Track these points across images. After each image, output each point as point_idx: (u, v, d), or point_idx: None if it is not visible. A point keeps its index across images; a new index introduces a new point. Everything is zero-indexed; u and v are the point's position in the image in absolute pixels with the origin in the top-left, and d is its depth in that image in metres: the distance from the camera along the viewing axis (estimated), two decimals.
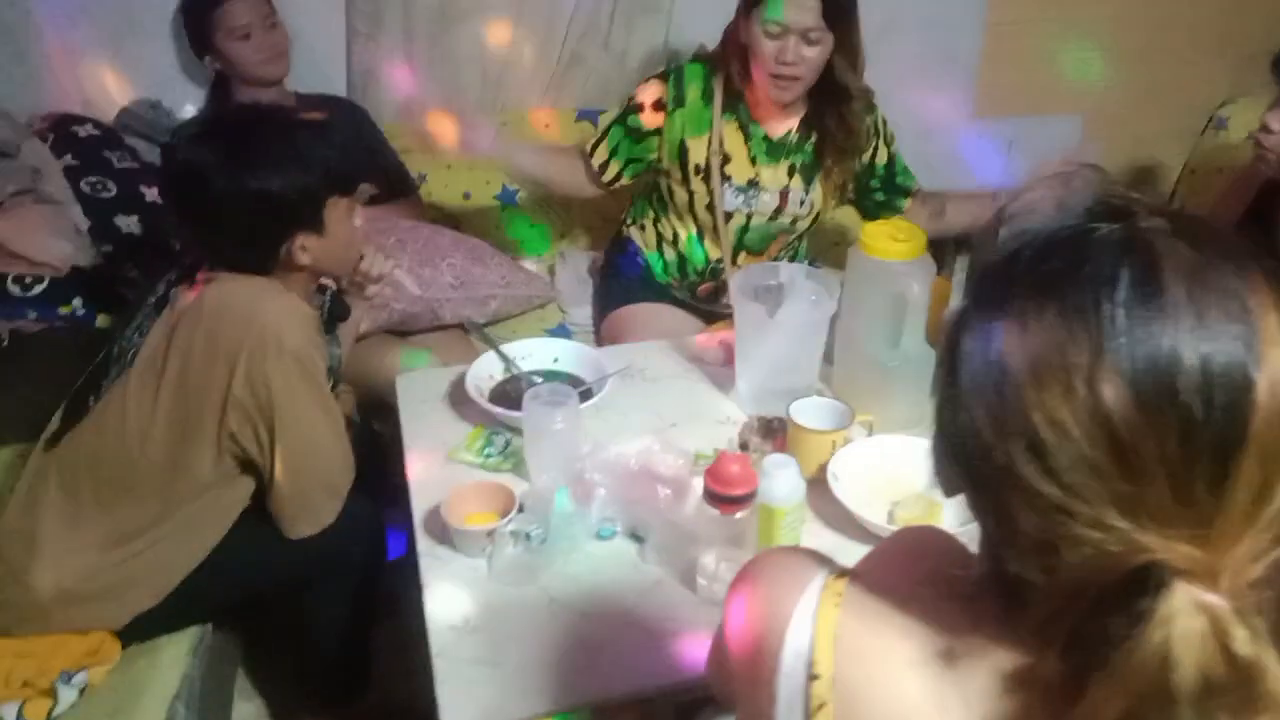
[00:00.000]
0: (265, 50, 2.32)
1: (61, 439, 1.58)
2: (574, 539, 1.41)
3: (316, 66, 2.49)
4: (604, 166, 2.13)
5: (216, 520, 1.58)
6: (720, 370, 1.79)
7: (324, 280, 1.74)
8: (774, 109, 2.06)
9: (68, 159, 2.23)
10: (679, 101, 2.06)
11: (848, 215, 2.41)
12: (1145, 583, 0.55)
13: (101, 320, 2.06)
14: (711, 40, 2.15)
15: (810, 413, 1.52)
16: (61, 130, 2.30)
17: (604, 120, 2.16)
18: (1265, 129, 1.69)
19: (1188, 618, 0.54)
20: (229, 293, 1.52)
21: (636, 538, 1.42)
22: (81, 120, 2.35)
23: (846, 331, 1.65)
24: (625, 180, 2.17)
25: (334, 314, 1.78)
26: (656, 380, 1.78)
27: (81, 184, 2.20)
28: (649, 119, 2.08)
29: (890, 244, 1.57)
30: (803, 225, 2.19)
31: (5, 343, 1.95)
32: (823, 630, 0.70)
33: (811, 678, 0.69)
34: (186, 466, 1.53)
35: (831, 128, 2.06)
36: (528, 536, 1.39)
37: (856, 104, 2.03)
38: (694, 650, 1.25)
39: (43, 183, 2.08)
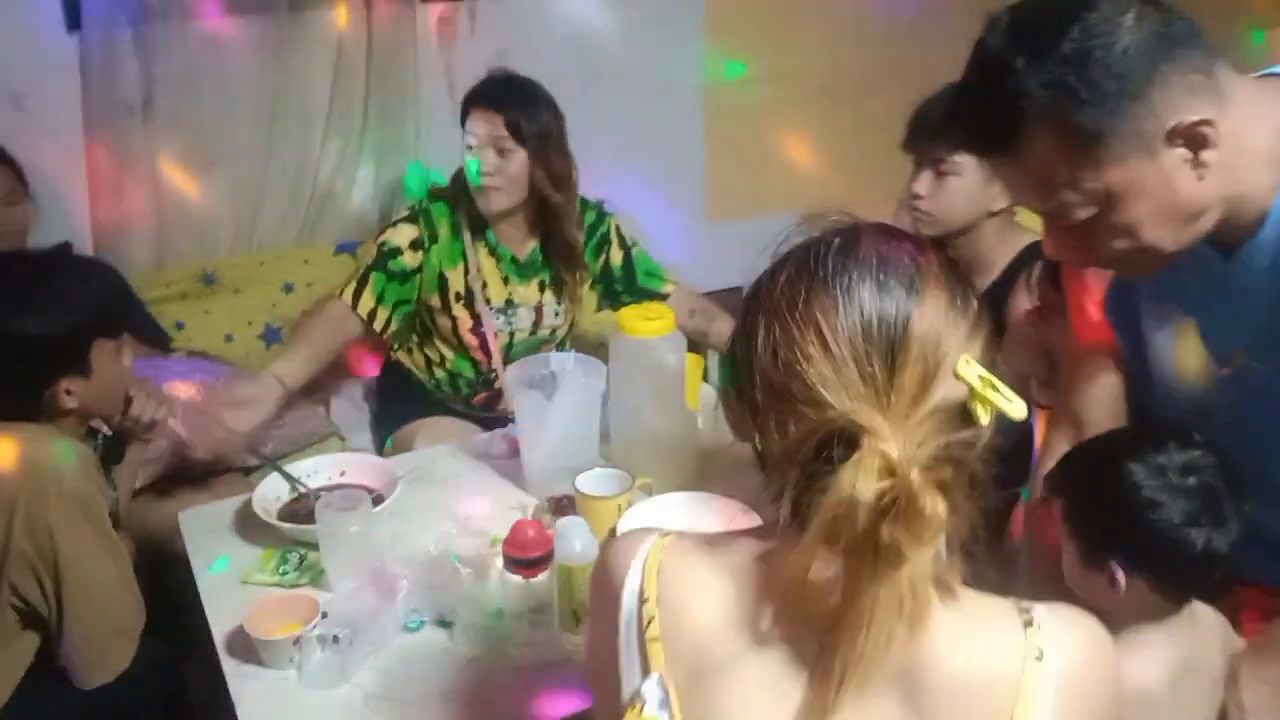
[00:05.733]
0: (3, 225, 2.27)
1: None
2: (382, 634, 1.44)
3: (61, 227, 2.45)
4: (372, 314, 2.17)
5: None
6: (507, 463, 1.87)
7: (94, 424, 1.71)
8: (516, 232, 2.23)
9: None
10: (433, 238, 2.19)
11: (607, 319, 2.59)
12: (839, 439, 0.75)
13: None
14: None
15: (594, 483, 1.63)
16: None
17: (362, 267, 2.19)
18: (915, 196, 1.99)
19: (870, 458, 0.73)
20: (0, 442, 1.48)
21: (444, 623, 1.47)
22: None
23: (617, 406, 1.78)
24: (395, 325, 2.22)
25: (108, 458, 1.74)
26: (446, 480, 1.84)
27: None
28: (409, 259, 2.17)
29: (644, 324, 1.72)
30: (562, 333, 2.35)
31: None
32: (650, 567, 0.87)
33: (642, 601, 0.85)
34: None
35: (556, 242, 2.25)
36: (335, 639, 1.40)
37: (565, 219, 2.21)
38: (514, 713, 1.32)
39: None
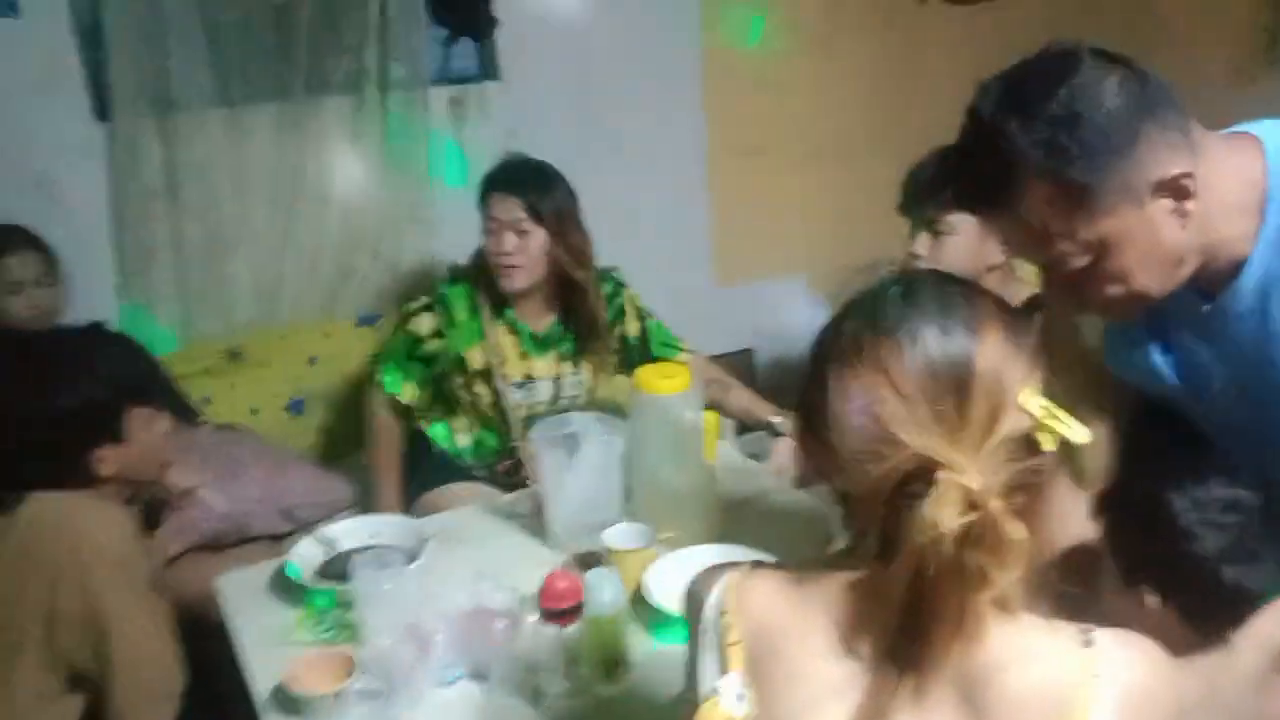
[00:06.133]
0: (35, 309, 2.35)
1: None
2: (419, 689, 1.48)
3: (91, 309, 2.53)
4: (411, 396, 2.33)
5: None
6: (532, 521, 1.92)
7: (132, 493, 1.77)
8: (535, 309, 2.33)
9: None
10: (451, 324, 2.29)
11: (622, 383, 2.66)
12: (919, 475, 0.80)
13: None
14: (474, 240, 2.39)
15: (621, 537, 1.68)
16: None
17: (391, 354, 2.33)
18: (915, 256, 2.08)
19: (950, 491, 0.78)
20: (41, 510, 1.54)
21: (478, 676, 1.51)
22: None
23: (638, 462, 1.84)
24: (421, 397, 2.36)
25: (145, 525, 1.80)
26: (473, 539, 1.89)
27: None
28: (432, 346, 2.30)
29: (662, 381, 1.79)
30: (582, 401, 2.42)
31: None
32: (729, 588, 0.95)
33: (722, 614, 0.94)
34: (14, 690, 1.50)
35: (578, 314, 2.35)
36: (374, 694, 1.45)
37: (588, 294, 2.32)
38: None
39: None
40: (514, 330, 2.32)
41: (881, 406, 0.85)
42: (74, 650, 1.51)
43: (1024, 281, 2.01)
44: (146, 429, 1.65)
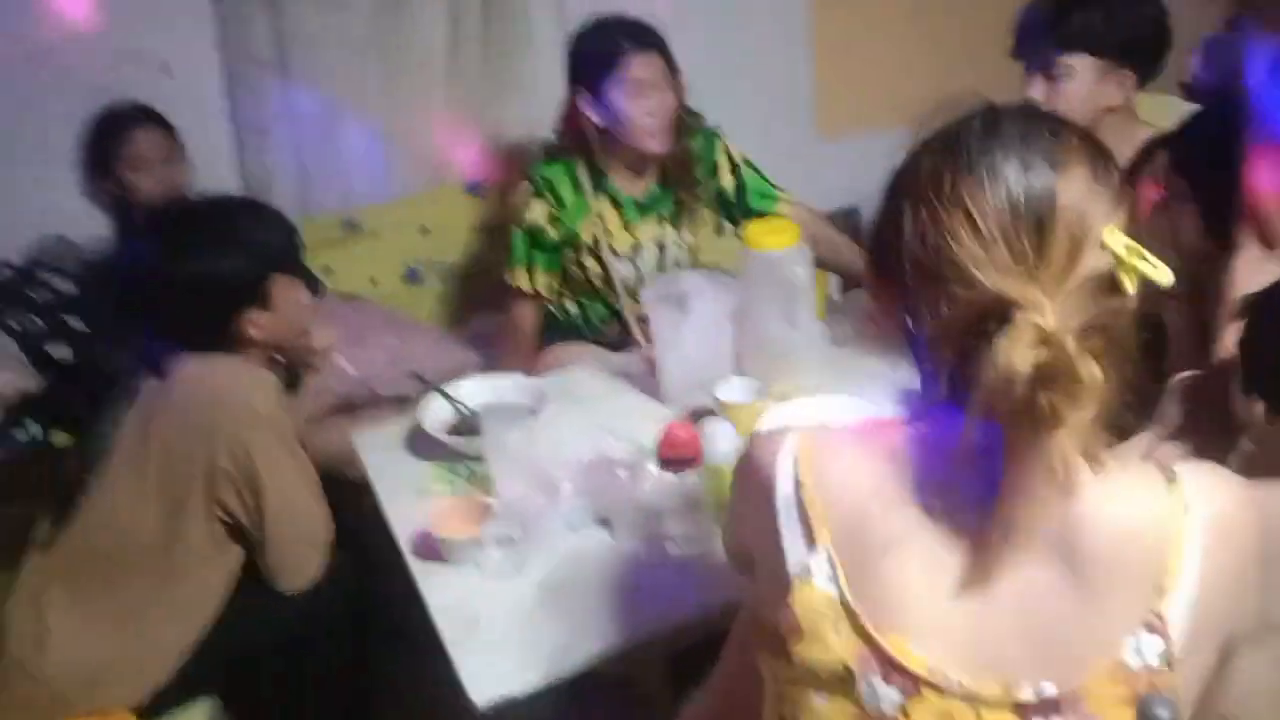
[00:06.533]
0: (163, 185, 2.45)
1: (55, 540, 1.68)
2: (548, 533, 1.58)
3: (213, 185, 2.63)
4: (547, 287, 2.34)
5: (213, 586, 1.70)
6: (644, 380, 1.99)
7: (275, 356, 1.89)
8: (632, 175, 2.31)
9: None
10: (561, 204, 2.27)
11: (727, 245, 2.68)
12: (994, 314, 0.80)
13: (57, 439, 2.14)
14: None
15: (732, 391, 1.74)
16: None
17: (519, 253, 2.29)
18: (1029, 100, 2.01)
19: (1024, 330, 0.77)
20: (196, 374, 1.66)
21: (603, 522, 1.60)
22: None
23: (748, 320, 1.87)
24: (554, 282, 2.37)
25: (287, 387, 1.92)
26: (590, 396, 1.98)
27: (9, 320, 2.29)
28: (552, 233, 2.28)
29: (771, 237, 1.81)
30: (686, 262, 2.43)
31: None
32: (802, 456, 0.93)
33: (799, 485, 0.91)
34: (181, 539, 1.65)
35: (676, 175, 2.32)
36: (510, 538, 1.55)
37: (689, 151, 2.30)
38: (673, 602, 1.45)
39: None
40: (616, 201, 2.32)
41: (959, 244, 0.82)
42: (232, 503, 1.65)
43: (1146, 123, 1.94)
44: (290, 295, 1.75)
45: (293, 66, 2.67)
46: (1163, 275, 0.82)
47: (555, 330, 2.48)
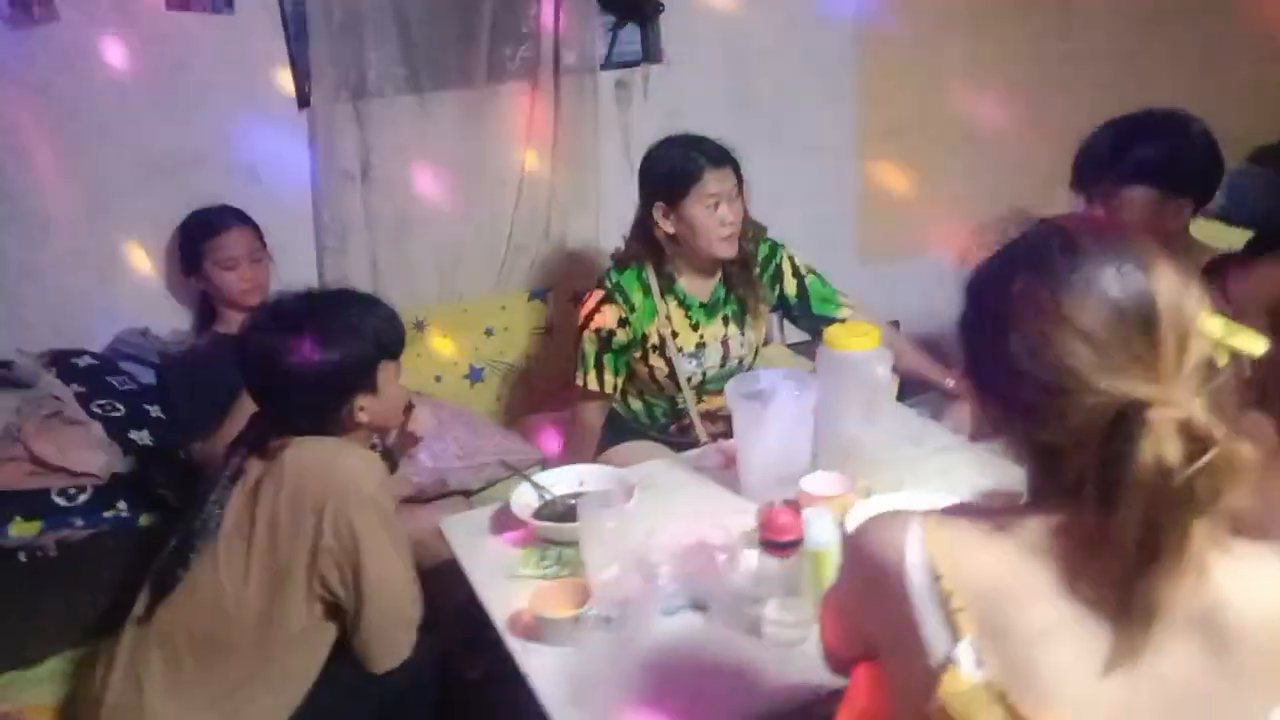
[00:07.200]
0: (249, 282, 2.57)
1: (154, 613, 1.71)
2: (646, 616, 1.61)
3: (294, 281, 2.74)
4: (614, 387, 2.42)
5: (308, 665, 1.73)
6: (721, 473, 2.05)
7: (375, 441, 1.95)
8: (699, 279, 2.42)
9: (74, 386, 2.39)
10: (631, 309, 2.37)
11: (779, 354, 2.78)
12: (1128, 416, 0.84)
13: (143, 520, 2.19)
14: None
15: (818, 484, 1.80)
16: (61, 363, 2.47)
17: (589, 357, 2.38)
18: None
19: (1163, 426, 0.83)
20: (305, 453, 1.71)
21: (699, 607, 1.64)
22: (78, 353, 2.54)
23: (827, 417, 1.94)
24: (621, 383, 2.45)
25: None
26: (670, 489, 2.03)
27: (92, 406, 2.36)
28: (623, 336, 2.37)
29: (854, 339, 1.90)
30: (749, 361, 2.52)
31: (54, 553, 2.06)
32: (933, 545, 0.96)
33: (936, 579, 0.94)
34: (281, 617, 1.68)
35: (740, 278, 2.44)
36: (608, 620, 1.59)
37: (750, 256, 2.43)
38: (769, 687, 1.48)
39: (63, 408, 2.24)
40: (683, 303, 2.42)
41: (1074, 357, 0.87)
42: (333, 580, 1.68)
43: (1204, 247, 2.05)
44: (394, 381, 1.82)
45: (374, 175, 2.81)
46: (1256, 346, 0.89)
47: (619, 428, 2.54)
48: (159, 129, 2.63)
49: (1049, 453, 0.92)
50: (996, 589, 0.92)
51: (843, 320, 2.50)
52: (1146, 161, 2.07)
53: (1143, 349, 0.87)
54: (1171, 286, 0.89)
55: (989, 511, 1.02)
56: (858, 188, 3.44)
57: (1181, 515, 0.83)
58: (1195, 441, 0.82)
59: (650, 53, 3.06)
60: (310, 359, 1.72)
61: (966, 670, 0.90)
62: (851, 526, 1.71)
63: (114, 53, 2.54)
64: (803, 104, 3.25)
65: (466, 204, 2.90)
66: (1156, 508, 0.83)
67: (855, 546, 1.05)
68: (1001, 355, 0.92)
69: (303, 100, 2.74)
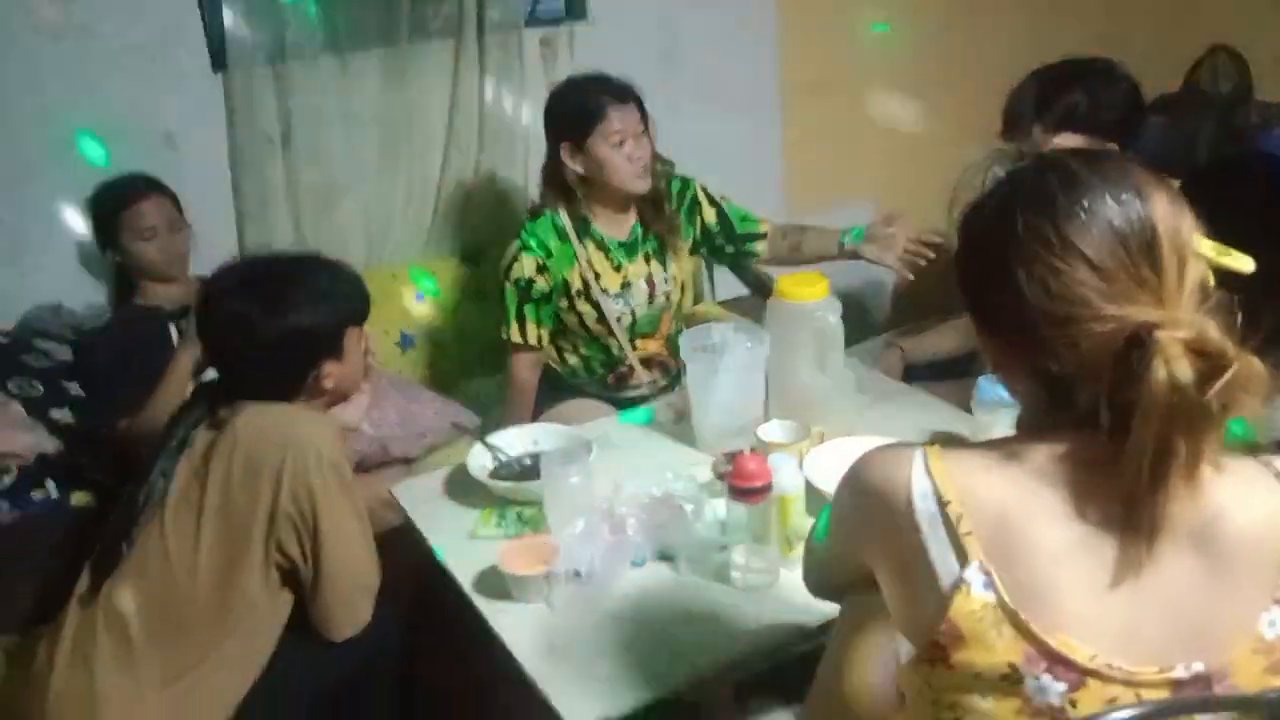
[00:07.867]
0: (168, 252, 2.47)
1: (99, 592, 1.64)
2: (615, 569, 1.62)
3: (215, 252, 2.64)
4: (539, 338, 2.40)
5: (266, 636, 1.69)
6: (673, 427, 2.06)
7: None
8: (614, 218, 2.42)
9: None
10: (549, 254, 2.36)
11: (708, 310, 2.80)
12: (1138, 340, 0.87)
13: (76, 499, 2.10)
14: None
15: (775, 432, 1.82)
16: None
17: (511, 309, 2.36)
18: None
19: (1172, 346, 0.85)
20: (260, 419, 1.66)
21: (666, 558, 1.65)
22: None
23: (779, 367, 1.96)
24: (548, 333, 2.44)
25: None
26: (626, 445, 2.03)
27: (9, 385, 2.26)
28: (542, 283, 2.36)
29: (804, 289, 1.92)
30: (675, 296, 2.53)
31: None
32: (938, 472, 0.98)
33: (943, 504, 0.96)
34: (237, 586, 1.63)
35: (652, 210, 2.45)
36: (577, 574, 1.58)
37: (662, 192, 2.45)
38: (738, 631, 1.51)
39: None
40: (602, 245, 2.41)
41: (1084, 286, 0.90)
42: (290, 546, 1.64)
43: None
44: (358, 346, 1.78)
45: (295, 140, 2.72)
46: (1247, 264, 0.94)
47: (558, 388, 2.53)
48: (66, 96, 2.50)
49: (1058, 383, 0.94)
50: (1005, 513, 0.94)
51: (764, 235, 2.56)
52: (1071, 109, 2.14)
53: (1147, 273, 0.90)
54: (1169, 212, 0.92)
55: (990, 443, 1.05)
56: (782, 141, 3.46)
57: (1197, 431, 0.86)
58: (1205, 358, 0.85)
59: (575, 9, 3.02)
60: (282, 325, 1.67)
61: (976, 591, 0.92)
62: (810, 472, 1.74)
63: (18, 18, 2.41)
64: (726, 60, 3.25)
65: (393, 167, 2.84)
66: (1172, 425, 0.86)
67: (857, 479, 1.06)
68: (1008, 292, 0.94)
69: (218, 63, 2.64)
